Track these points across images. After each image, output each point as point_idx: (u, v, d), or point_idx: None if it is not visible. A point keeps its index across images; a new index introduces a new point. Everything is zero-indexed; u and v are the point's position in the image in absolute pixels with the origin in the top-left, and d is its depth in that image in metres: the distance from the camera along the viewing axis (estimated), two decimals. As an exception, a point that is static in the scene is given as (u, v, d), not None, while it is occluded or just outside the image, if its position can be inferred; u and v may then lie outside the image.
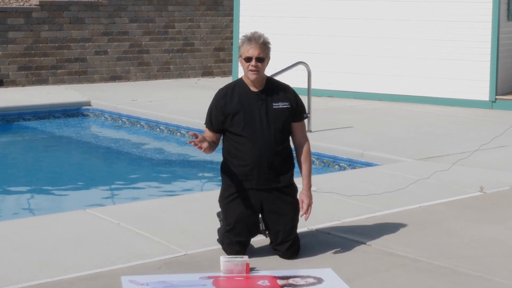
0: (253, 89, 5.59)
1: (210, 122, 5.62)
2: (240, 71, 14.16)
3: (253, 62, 5.51)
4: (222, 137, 5.68)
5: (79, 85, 15.13)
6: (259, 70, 5.52)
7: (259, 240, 5.85)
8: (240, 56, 5.57)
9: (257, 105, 5.55)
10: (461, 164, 8.72)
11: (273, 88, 5.63)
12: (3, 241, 5.91)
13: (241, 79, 5.66)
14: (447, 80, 13.24)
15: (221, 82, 15.07)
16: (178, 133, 11.59)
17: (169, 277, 5.22)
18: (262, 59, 5.53)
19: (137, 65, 16.14)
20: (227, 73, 17.14)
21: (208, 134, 5.63)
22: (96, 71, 15.59)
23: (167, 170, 10.10)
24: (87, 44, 15.45)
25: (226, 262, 5.28)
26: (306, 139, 5.71)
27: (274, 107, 5.57)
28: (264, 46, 5.54)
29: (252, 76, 5.52)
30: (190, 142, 5.39)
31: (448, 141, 10.11)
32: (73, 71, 15.31)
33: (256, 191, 5.55)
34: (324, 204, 7.05)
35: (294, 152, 5.71)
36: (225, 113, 5.54)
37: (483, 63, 12.92)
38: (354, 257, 5.68)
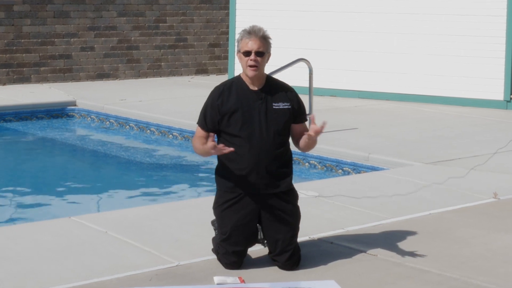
0: (252, 87, 5.59)
1: (205, 121, 5.61)
2: (237, 69, 14.17)
3: (252, 56, 5.50)
4: (216, 139, 5.69)
5: (63, 84, 15.14)
6: (258, 66, 5.51)
7: (257, 250, 5.86)
8: (239, 51, 5.57)
9: (256, 105, 5.55)
10: (473, 169, 8.74)
11: (274, 87, 5.63)
12: (-18, 251, 5.92)
13: (239, 77, 5.66)
14: (458, 78, 13.25)
15: (216, 80, 15.09)
16: (170, 135, 11.60)
17: (160, 290, 5.24)
18: (262, 54, 5.52)
19: (126, 62, 16.16)
20: (222, 70, 17.15)
21: (200, 134, 5.63)
22: (82, 68, 15.60)
23: (158, 175, 10.11)
24: (72, 39, 15.46)
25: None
26: None
27: (274, 107, 5.57)
28: (264, 40, 5.54)
29: (251, 72, 5.52)
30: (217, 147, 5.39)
31: (459, 143, 10.12)
32: (57, 68, 15.32)
33: (253, 197, 5.55)
34: (326, 211, 7.06)
35: (294, 154, 5.72)
36: (222, 113, 5.54)
37: (497, 60, 12.93)
38: (358, 268, 5.69)
